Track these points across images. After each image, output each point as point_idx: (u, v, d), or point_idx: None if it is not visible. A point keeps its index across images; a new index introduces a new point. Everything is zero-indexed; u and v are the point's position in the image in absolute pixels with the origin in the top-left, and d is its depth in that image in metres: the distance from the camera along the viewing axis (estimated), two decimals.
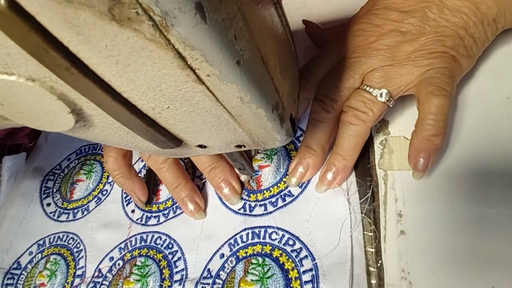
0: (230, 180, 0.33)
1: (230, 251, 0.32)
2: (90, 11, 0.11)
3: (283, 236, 0.30)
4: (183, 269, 0.33)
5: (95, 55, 0.12)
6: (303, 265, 0.28)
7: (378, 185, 0.30)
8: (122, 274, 0.35)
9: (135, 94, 0.15)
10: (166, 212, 0.37)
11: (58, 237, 0.41)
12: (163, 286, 0.33)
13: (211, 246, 0.33)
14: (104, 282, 0.35)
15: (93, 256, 0.37)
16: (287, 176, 0.33)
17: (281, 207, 0.32)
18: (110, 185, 0.42)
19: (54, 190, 0.45)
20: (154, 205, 0.38)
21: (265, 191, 0.33)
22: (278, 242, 0.30)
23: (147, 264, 0.34)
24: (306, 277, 0.28)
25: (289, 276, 0.28)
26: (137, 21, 0.11)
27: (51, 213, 0.43)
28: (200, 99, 0.15)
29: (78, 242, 0.39)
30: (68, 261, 0.39)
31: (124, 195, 0.41)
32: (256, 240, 0.31)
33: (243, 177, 0.34)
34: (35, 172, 0.47)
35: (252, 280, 0.29)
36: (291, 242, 0.30)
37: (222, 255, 0.32)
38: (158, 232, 0.36)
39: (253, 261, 0.30)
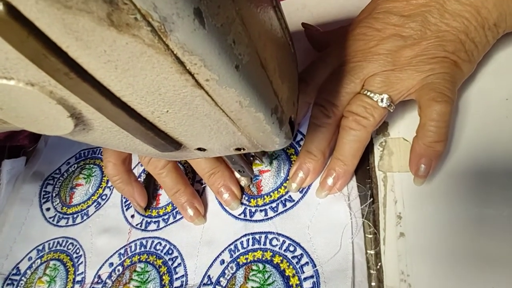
0: (230, 185, 0.33)
1: (230, 257, 0.31)
2: (88, 16, 0.11)
3: (283, 242, 0.30)
4: (183, 275, 0.33)
5: (94, 60, 0.12)
6: (304, 272, 0.28)
7: (377, 187, 0.30)
8: (121, 280, 0.34)
9: (134, 98, 0.15)
10: (166, 217, 0.37)
11: (58, 242, 0.41)
12: None
13: (211, 252, 0.32)
14: None
15: (93, 261, 0.37)
16: (287, 181, 0.33)
17: (281, 212, 0.32)
18: (110, 189, 0.42)
19: (54, 195, 0.45)
20: (154, 210, 0.38)
21: (265, 196, 0.33)
22: (279, 248, 0.30)
23: (147, 270, 0.34)
24: (307, 284, 0.27)
25: (290, 283, 0.28)
26: (135, 26, 0.11)
27: (50, 218, 0.43)
28: (199, 103, 0.15)
29: (78, 248, 0.39)
30: (68, 266, 0.38)
31: (124, 200, 0.41)
32: (256, 246, 0.31)
33: (243, 182, 0.34)
34: (34, 176, 0.47)
35: (252, 287, 0.29)
36: (292, 248, 0.30)
37: (223, 261, 0.31)
38: (158, 238, 0.36)
39: (254, 267, 0.30)
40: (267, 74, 0.17)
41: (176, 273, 0.33)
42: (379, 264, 0.27)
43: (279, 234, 0.31)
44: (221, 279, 0.31)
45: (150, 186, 0.39)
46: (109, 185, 0.43)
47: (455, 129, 0.29)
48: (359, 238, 0.28)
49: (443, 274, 0.25)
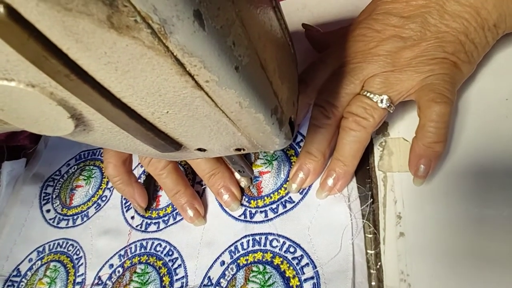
0: (230, 186, 0.33)
1: (230, 259, 0.31)
2: (89, 19, 0.11)
3: (284, 243, 0.30)
4: (183, 276, 0.33)
5: (94, 62, 0.12)
6: (304, 273, 0.28)
7: (377, 187, 0.30)
8: (122, 282, 0.34)
9: (134, 99, 0.15)
10: (166, 218, 0.37)
11: (58, 243, 0.41)
12: None
13: (211, 253, 0.32)
14: None
15: (93, 263, 0.37)
16: (287, 182, 0.33)
17: (281, 213, 0.32)
18: (110, 191, 0.42)
19: (54, 196, 0.45)
20: (154, 212, 0.38)
21: (265, 197, 0.33)
22: (279, 249, 0.30)
23: (147, 272, 0.34)
24: (307, 285, 0.27)
25: (290, 284, 0.28)
26: (135, 28, 0.11)
27: (50, 219, 0.43)
28: (199, 104, 0.15)
29: (78, 249, 0.39)
30: (68, 268, 0.38)
31: (124, 201, 0.41)
32: (256, 247, 0.31)
33: (243, 183, 0.34)
34: (34, 178, 0.47)
35: None
36: (292, 249, 0.30)
37: (223, 263, 0.31)
38: (158, 239, 0.36)
39: (254, 268, 0.30)
40: (267, 75, 0.17)
41: (177, 274, 0.33)
42: (379, 263, 0.27)
43: (279, 235, 0.31)
44: (221, 280, 0.31)
45: (150, 188, 0.39)
46: (109, 186, 0.43)
47: (455, 129, 0.29)
48: (359, 239, 0.28)
49: (443, 274, 0.25)
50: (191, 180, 0.38)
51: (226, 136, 0.19)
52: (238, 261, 0.31)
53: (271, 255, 0.30)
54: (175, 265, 0.34)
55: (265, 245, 0.31)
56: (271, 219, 0.32)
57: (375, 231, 0.28)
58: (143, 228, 0.37)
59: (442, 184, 0.28)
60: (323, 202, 0.31)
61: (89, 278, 0.36)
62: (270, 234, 0.31)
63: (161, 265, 0.34)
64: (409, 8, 0.28)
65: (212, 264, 0.32)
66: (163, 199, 0.38)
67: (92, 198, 0.43)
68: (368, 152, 0.31)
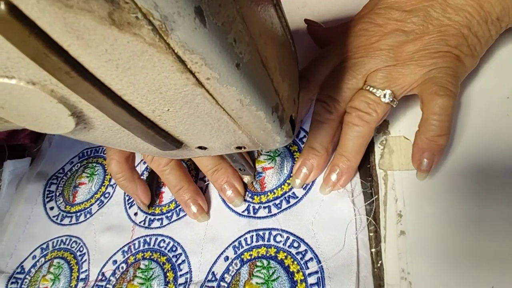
0: (233, 182, 0.33)
1: (234, 254, 0.31)
2: (90, 16, 0.11)
3: (287, 238, 0.30)
4: (187, 272, 0.33)
5: (95, 59, 0.12)
6: (308, 268, 0.28)
7: (378, 185, 0.30)
8: (125, 278, 0.35)
9: (135, 97, 0.15)
10: (169, 214, 0.37)
11: (61, 240, 0.41)
12: None
13: (215, 249, 0.33)
14: (107, 285, 0.35)
15: (96, 259, 0.37)
16: (291, 178, 0.33)
17: (285, 209, 0.32)
18: (113, 187, 0.42)
19: (57, 194, 0.45)
20: (157, 208, 0.38)
21: (269, 193, 0.33)
22: (283, 244, 0.30)
23: (151, 267, 0.34)
24: (311, 279, 0.28)
25: (295, 279, 0.28)
26: (136, 25, 0.11)
27: (54, 216, 0.43)
28: (200, 101, 0.15)
29: (81, 246, 0.39)
30: (72, 264, 0.39)
31: (127, 198, 0.41)
32: (260, 242, 0.31)
33: (246, 179, 0.34)
34: (38, 176, 0.47)
35: (257, 283, 0.29)
36: (296, 244, 0.30)
37: (227, 258, 0.32)
38: (162, 235, 0.36)
39: (258, 263, 0.30)
40: (268, 73, 0.17)
41: (180, 270, 0.33)
42: (380, 262, 0.27)
43: (283, 231, 0.31)
44: (225, 275, 0.31)
45: (153, 184, 0.39)
46: (111, 183, 0.43)
47: (456, 127, 0.29)
48: (363, 234, 0.28)
49: (444, 272, 0.25)
50: (194, 176, 0.38)
51: (227, 134, 0.19)
52: (242, 256, 0.31)
53: (275, 250, 0.30)
54: (179, 261, 0.34)
55: (269, 240, 0.31)
56: (275, 214, 0.32)
57: (376, 229, 0.28)
58: (146, 225, 0.37)
59: (442, 182, 0.28)
60: (327, 197, 0.31)
61: (93, 274, 0.37)
62: (274, 229, 0.31)
63: (165, 261, 0.34)
64: (411, 2, 0.28)
65: (216, 259, 0.32)
66: (166, 195, 0.38)
67: (95, 195, 0.43)
68: (368, 150, 0.31)
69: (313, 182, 0.32)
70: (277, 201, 0.32)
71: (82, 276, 0.37)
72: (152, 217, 0.38)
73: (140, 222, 0.38)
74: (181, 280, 0.32)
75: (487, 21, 0.27)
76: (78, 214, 0.42)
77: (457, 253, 0.25)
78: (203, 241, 0.34)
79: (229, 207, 0.34)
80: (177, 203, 0.37)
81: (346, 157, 0.29)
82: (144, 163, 0.42)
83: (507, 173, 0.26)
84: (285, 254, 0.30)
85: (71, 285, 0.37)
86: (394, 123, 0.32)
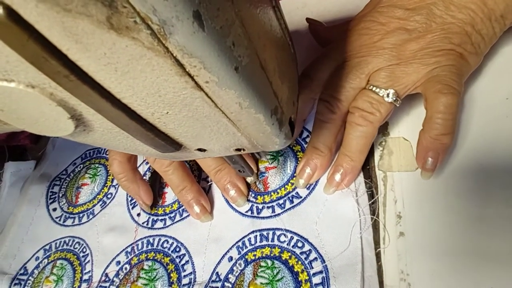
0: (236, 182, 0.33)
1: (238, 254, 0.31)
2: (88, 20, 0.11)
3: (291, 238, 0.30)
4: (191, 272, 0.33)
5: (94, 63, 0.12)
6: (313, 268, 0.28)
7: (377, 186, 0.30)
8: (129, 279, 0.35)
9: (134, 100, 0.15)
10: (172, 215, 0.37)
11: (64, 241, 0.41)
12: None
13: (219, 249, 0.33)
14: (111, 286, 0.35)
15: (100, 260, 0.37)
16: (294, 178, 0.33)
17: (289, 209, 0.32)
18: (115, 188, 0.42)
19: (60, 195, 0.45)
20: (160, 208, 0.38)
21: (272, 193, 0.33)
22: (287, 244, 0.30)
23: (154, 268, 0.34)
24: (316, 279, 0.27)
25: (299, 279, 0.28)
26: (135, 29, 0.11)
27: (57, 218, 0.43)
28: (199, 104, 0.15)
29: (84, 247, 0.39)
30: (75, 265, 0.39)
31: (129, 199, 0.41)
32: (264, 242, 0.31)
33: (249, 179, 0.34)
34: (42, 178, 0.47)
35: (261, 283, 0.29)
36: (300, 244, 0.30)
37: (231, 258, 0.32)
38: (165, 236, 0.36)
39: (262, 264, 0.30)
40: (267, 75, 0.17)
41: (184, 270, 0.33)
42: (379, 263, 0.27)
43: (287, 231, 0.31)
44: (229, 275, 0.31)
45: (156, 184, 0.39)
46: (114, 183, 0.43)
47: (455, 128, 0.29)
48: (368, 233, 0.28)
49: (443, 273, 0.25)
50: (197, 176, 0.38)
51: (226, 137, 0.19)
52: (246, 257, 0.31)
53: (279, 250, 0.30)
54: (183, 261, 0.34)
55: (272, 240, 0.31)
56: (278, 214, 0.32)
57: (375, 231, 0.28)
58: (149, 225, 0.37)
59: (442, 183, 0.28)
60: (331, 197, 0.31)
61: (96, 275, 0.37)
62: (278, 229, 0.31)
63: (168, 262, 0.34)
64: (414, 0, 0.28)
65: (220, 260, 0.32)
66: (169, 195, 0.38)
67: (98, 196, 0.43)
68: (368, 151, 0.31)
69: (316, 182, 0.32)
70: (281, 201, 0.32)
71: (85, 277, 0.37)
72: (155, 218, 0.38)
73: (143, 223, 0.38)
74: (185, 281, 0.32)
75: (490, 19, 0.26)
76: (81, 215, 0.42)
77: (457, 254, 0.25)
78: (207, 241, 0.34)
79: (232, 207, 0.34)
80: (180, 203, 0.37)
81: (349, 157, 0.29)
82: (147, 163, 0.42)
83: (506, 174, 0.26)
84: (289, 254, 0.29)
85: (74, 286, 0.37)
86: (394, 125, 0.32)
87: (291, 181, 0.33)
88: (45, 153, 0.50)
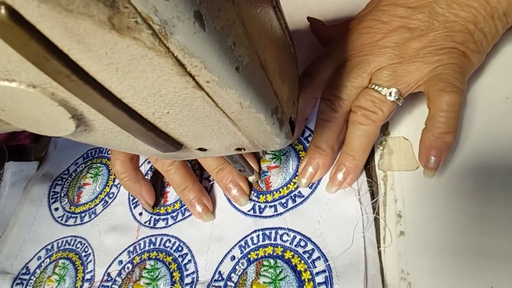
0: (238, 181, 0.33)
1: (241, 253, 0.31)
2: (90, 20, 0.11)
3: (294, 237, 0.30)
4: (193, 272, 0.33)
5: (95, 63, 0.12)
6: (316, 267, 0.28)
7: (377, 185, 0.30)
8: (131, 278, 0.35)
9: (135, 99, 0.15)
10: (174, 214, 0.37)
11: (66, 241, 0.41)
12: None
13: (221, 249, 0.33)
14: (113, 286, 0.35)
15: (102, 260, 0.38)
16: (297, 177, 0.33)
17: (291, 208, 0.32)
18: (117, 187, 0.42)
19: (62, 195, 0.45)
20: (162, 208, 0.38)
21: (274, 192, 0.33)
22: (290, 243, 0.30)
23: (156, 267, 0.34)
24: (319, 278, 0.27)
25: (302, 278, 0.28)
26: (136, 30, 0.11)
27: (59, 217, 0.43)
28: (200, 104, 0.15)
29: (86, 246, 0.39)
30: (77, 265, 0.39)
31: (131, 198, 0.41)
32: (267, 241, 0.31)
33: (251, 178, 0.34)
34: (44, 178, 0.47)
35: (264, 282, 0.29)
36: (302, 243, 0.30)
37: (233, 258, 0.32)
38: (167, 235, 0.36)
39: (265, 263, 0.30)
40: (267, 75, 0.17)
41: (187, 269, 0.33)
42: (379, 262, 0.27)
43: (289, 230, 0.31)
44: (232, 275, 0.31)
45: (158, 184, 0.39)
46: (116, 183, 0.43)
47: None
48: (371, 232, 0.28)
49: (443, 272, 0.25)
50: (199, 175, 0.38)
51: (227, 136, 0.19)
52: (249, 256, 0.31)
53: (282, 249, 0.30)
54: (185, 261, 0.34)
55: (275, 239, 0.31)
56: (281, 213, 0.32)
57: (376, 230, 0.28)
58: (151, 224, 0.37)
59: (442, 183, 0.28)
60: (333, 196, 0.31)
61: (98, 275, 0.37)
62: (280, 228, 0.31)
63: (170, 261, 0.34)
64: None
65: (223, 259, 0.32)
66: (171, 195, 0.38)
67: (100, 195, 0.43)
68: None
69: (319, 181, 0.32)
70: (283, 200, 0.32)
71: (88, 276, 0.37)
72: (157, 217, 0.38)
73: (145, 222, 0.38)
74: (187, 280, 0.32)
75: (493, 17, 0.26)
76: (83, 214, 0.42)
77: (457, 253, 0.25)
78: (209, 240, 0.34)
79: (234, 206, 0.34)
80: (182, 202, 0.37)
81: (352, 156, 0.29)
82: (149, 163, 0.42)
83: (507, 173, 0.26)
84: (292, 253, 0.29)
85: (76, 285, 0.37)
86: (394, 124, 0.32)
87: (293, 180, 0.33)
88: (47, 153, 0.50)
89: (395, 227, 0.28)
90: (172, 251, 0.35)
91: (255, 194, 0.34)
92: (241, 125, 0.18)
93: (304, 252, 0.29)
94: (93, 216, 0.41)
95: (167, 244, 0.35)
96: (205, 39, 0.12)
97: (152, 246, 0.36)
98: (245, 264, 0.31)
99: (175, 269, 0.34)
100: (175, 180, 0.34)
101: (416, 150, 0.29)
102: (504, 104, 0.28)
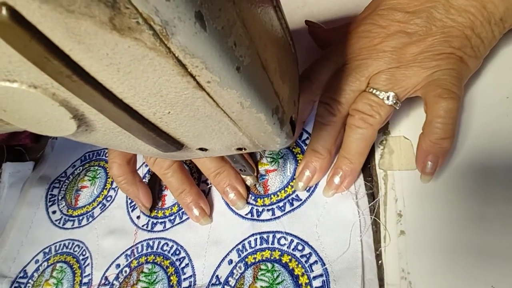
0: (236, 185, 0.33)
1: (238, 257, 0.31)
2: (91, 21, 0.11)
3: (292, 241, 0.30)
4: (191, 275, 0.33)
5: (96, 63, 0.12)
6: (313, 271, 0.28)
7: (378, 185, 0.30)
8: (129, 282, 0.35)
9: (136, 100, 0.15)
10: (172, 218, 0.37)
11: (64, 244, 0.41)
12: None
13: (219, 252, 0.33)
14: None
15: (99, 263, 0.37)
16: (294, 180, 0.33)
17: (289, 211, 0.32)
18: (115, 191, 0.42)
19: (60, 198, 0.45)
20: (159, 211, 0.38)
21: (272, 196, 0.33)
22: (287, 247, 0.30)
23: (154, 271, 0.34)
24: (316, 283, 0.27)
25: (299, 282, 0.28)
26: (137, 30, 0.11)
27: (56, 220, 0.43)
28: (201, 104, 0.15)
29: (84, 250, 0.39)
30: (74, 269, 0.39)
31: (129, 201, 0.41)
32: (264, 245, 0.31)
33: (249, 181, 0.34)
34: (41, 180, 0.47)
35: (261, 286, 0.29)
36: (300, 247, 0.30)
37: (231, 261, 0.32)
38: (165, 238, 0.36)
39: (262, 267, 0.30)
40: (268, 75, 0.17)
41: (184, 273, 0.33)
42: (380, 261, 0.27)
43: (287, 233, 0.31)
44: (229, 279, 0.31)
45: (155, 187, 0.39)
46: (113, 186, 0.43)
47: (456, 127, 0.29)
48: (368, 236, 0.28)
49: (444, 271, 0.25)
50: (197, 179, 0.38)
51: (228, 136, 0.19)
52: (246, 260, 0.31)
53: (279, 253, 0.30)
54: (183, 264, 0.34)
55: (273, 243, 0.31)
56: (279, 217, 0.32)
57: (376, 229, 0.28)
58: (149, 228, 0.37)
59: (442, 182, 0.28)
60: (330, 199, 0.31)
61: (96, 279, 0.37)
62: (278, 232, 0.31)
63: (168, 265, 0.34)
64: (414, 3, 0.28)
65: (220, 263, 0.32)
66: (169, 198, 0.38)
67: (97, 199, 0.43)
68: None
69: (316, 184, 0.32)
70: (281, 204, 0.32)
71: (85, 280, 0.37)
72: (155, 221, 0.37)
73: (143, 226, 0.38)
74: (185, 284, 0.32)
75: (490, 22, 0.26)
76: (81, 217, 0.42)
77: (457, 252, 0.25)
78: (207, 244, 0.34)
79: (232, 210, 0.34)
80: (180, 206, 0.37)
81: (349, 159, 0.29)
82: (146, 166, 0.42)
83: (507, 172, 0.26)
84: (290, 257, 0.29)
85: None
86: (395, 123, 0.32)
87: (291, 183, 0.33)
88: (43, 154, 0.50)
89: (395, 227, 0.28)
90: (169, 255, 0.35)
91: (253, 198, 0.34)
92: (242, 125, 0.18)
93: (301, 256, 0.29)
94: (90, 219, 0.41)
95: (165, 247, 0.35)
96: (206, 40, 0.12)
97: (149, 250, 0.36)
98: (243, 268, 0.31)
99: (173, 272, 0.34)
100: (172, 183, 0.34)
101: None
102: (505, 103, 0.28)
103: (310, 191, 0.32)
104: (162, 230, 0.37)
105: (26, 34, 0.11)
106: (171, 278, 0.33)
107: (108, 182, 0.44)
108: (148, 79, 0.13)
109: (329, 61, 0.31)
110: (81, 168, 0.47)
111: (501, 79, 0.29)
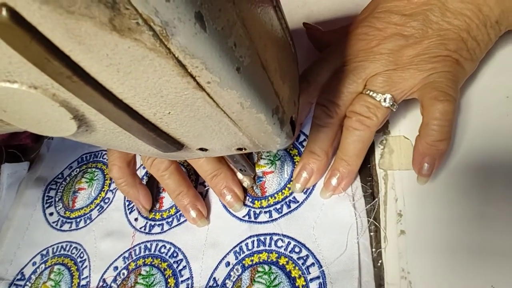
0: (233, 187, 0.33)
1: (235, 259, 0.31)
2: (91, 21, 0.11)
3: (289, 243, 0.30)
4: (188, 278, 0.33)
5: (96, 64, 0.12)
6: (310, 273, 0.28)
7: (378, 185, 0.30)
8: (127, 284, 0.34)
9: (136, 100, 0.15)
10: (170, 220, 0.37)
11: (62, 246, 0.41)
12: None
13: (216, 254, 0.32)
14: None
15: (97, 265, 0.37)
16: (291, 182, 0.33)
17: (286, 213, 0.32)
18: (112, 193, 0.42)
19: (57, 199, 0.45)
20: (157, 213, 0.38)
21: (269, 198, 0.33)
22: (284, 249, 0.30)
23: (152, 274, 0.34)
24: (313, 285, 0.27)
25: (296, 284, 0.28)
26: (137, 31, 0.11)
27: (53, 222, 0.43)
28: (201, 105, 0.15)
29: (82, 252, 0.39)
30: (72, 271, 0.38)
31: (127, 203, 0.40)
32: (261, 247, 0.31)
33: (246, 183, 0.34)
34: (37, 181, 0.47)
35: None
36: (297, 249, 0.30)
37: (228, 263, 0.32)
38: (163, 241, 0.36)
39: (259, 269, 0.30)
40: (268, 75, 0.17)
41: (182, 275, 0.33)
42: (380, 261, 0.27)
43: (284, 236, 0.31)
44: (227, 281, 0.31)
45: (153, 189, 0.39)
46: (111, 188, 0.43)
47: (455, 127, 0.29)
48: (365, 238, 0.28)
49: (444, 271, 0.25)
50: (194, 181, 0.38)
51: (228, 136, 0.19)
52: (243, 262, 0.31)
53: (276, 255, 0.30)
54: (180, 267, 0.34)
55: (270, 245, 0.31)
56: (276, 219, 0.32)
57: (376, 229, 0.28)
58: (147, 230, 0.37)
59: (443, 182, 0.28)
60: (328, 201, 0.31)
61: (94, 281, 0.36)
62: (275, 234, 0.31)
63: (166, 267, 0.34)
64: (410, 6, 0.28)
65: (217, 265, 0.32)
66: (166, 200, 0.38)
67: (95, 201, 0.42)
68: (369, 150, 0.31)
69: (313, 186, 0.32)
70: (278, 206, 0.32)
71: (83, 282, 0.37)
72: (153, 223, 0.37)
73: (140, 228, 0.38)
74: (182, 286, 0.32)
75: (486, 25, 0.27)
76: (78, 219, 0.42)
77: (457, 251, 0.25)
78: (204, 246, 0.34)
79: (229, 212, 0.34)
80: (177, 208, 0.37)
81: (346, 161, 0.29)
82: (144, 168, 0.41)
83: (507, 171, 0.26)
84: (287, 259, 0.29)
85: None
86: (394, 123, 0.32)
87: (288, 185, 0.33)
88: (39, 155, 0.50)
89: (395, 226, 0.28)
90: (167, 257, 0.35)
91: (250, 200, 0.34)
92: (242, 125, 0.18)
93: (298, 258, 0.29)
94: (88, 221, 0.41)
95: (162, 250, 0.35)
96: (206, 40, 0.12)
97: (147, 252, 0.36)
98: (240, 270, 0.31)
99: (170, 275, 0.34)
100: (169, 185, 0.34)
101: None
102: (504, 103, 0.28)
103: (307, 193, 0.32)
104: (159, 232, 0.37)
105: (26, 35, 0.11)
106: (169, 280, 0.33)
107: (105, 184, 0.44)
108: (148, 79, 0.13)
109: (327, 63, 0.31)
110: (78, 169, 0.47)
111: (500, 79, 0.30)
